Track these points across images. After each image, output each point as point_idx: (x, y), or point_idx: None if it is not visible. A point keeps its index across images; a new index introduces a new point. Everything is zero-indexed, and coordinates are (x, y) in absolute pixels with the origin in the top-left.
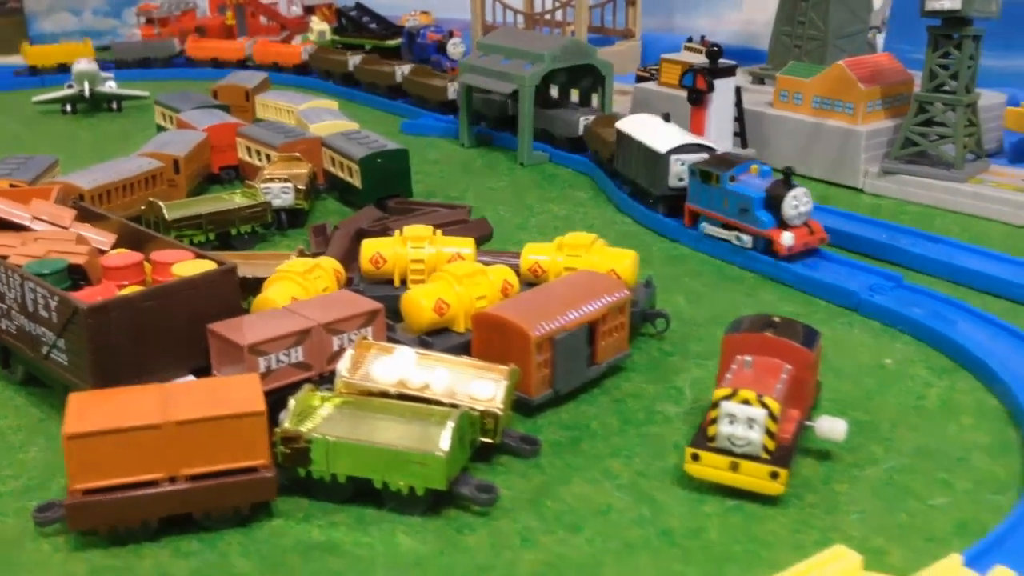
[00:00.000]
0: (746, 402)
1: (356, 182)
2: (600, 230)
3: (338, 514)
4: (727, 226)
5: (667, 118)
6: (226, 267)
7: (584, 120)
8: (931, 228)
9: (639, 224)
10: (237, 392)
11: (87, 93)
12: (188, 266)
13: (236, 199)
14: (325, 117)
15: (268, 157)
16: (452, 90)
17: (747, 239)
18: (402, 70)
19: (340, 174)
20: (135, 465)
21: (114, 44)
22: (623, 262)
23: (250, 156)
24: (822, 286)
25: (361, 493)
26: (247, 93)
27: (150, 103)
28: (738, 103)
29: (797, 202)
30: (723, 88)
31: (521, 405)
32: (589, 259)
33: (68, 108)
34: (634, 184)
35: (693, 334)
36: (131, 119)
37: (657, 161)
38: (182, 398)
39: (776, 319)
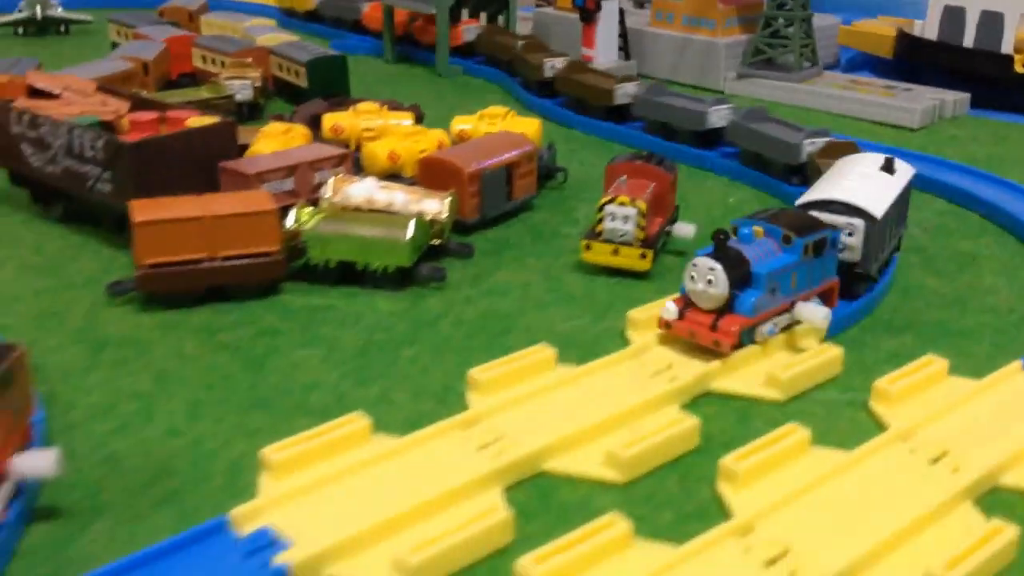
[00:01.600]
0: (623, 204)
1: (302, 82)
2: None
3: (331, 291)
4: None
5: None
6: (227, 120)
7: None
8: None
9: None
10: (254, 200)
11: (38, 16)
12: (197, 121)
13: (203, 93)
14: (268, 32)
15: (223, 64)
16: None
17: None
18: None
19: (287, 77)
20: (184, 247)
21: None
22: (531, 127)
23: (205, 63)
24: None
25: (345, 278)
26: (190, 14)
27: (96, 27)
28: (621, 22)
29: None
30: (608, 9)
31: (458, 226)
32: (504, 125)
33: (19, 31)
34: None
35: (586, 186)
36: (79, 41)
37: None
38: (215, 202)
39: (644, 153)
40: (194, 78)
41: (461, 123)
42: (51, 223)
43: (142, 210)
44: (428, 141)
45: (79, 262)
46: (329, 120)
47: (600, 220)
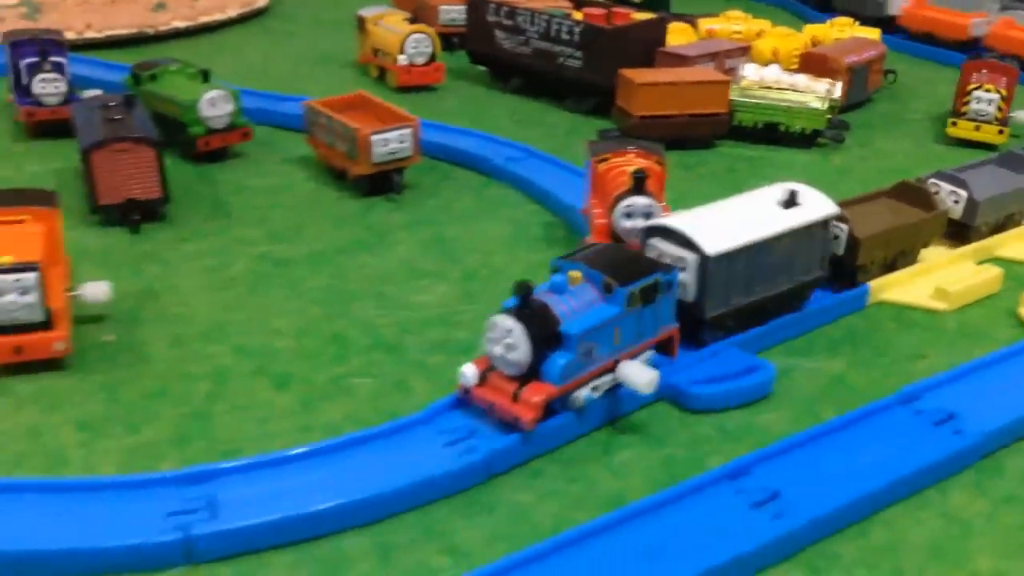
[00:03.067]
0: (988, 90)
1: None
2: None
3: (757, 146)
4: None
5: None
6: (662, 16)
7: None
8: None
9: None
10: (708, 73)
11: None
12: (638, 16)
13: None
14: None
15: None
16: None
17: None
18: None
19: None
20: (664, 104)
21: None
22: (874, 34)
23: None
24: None
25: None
26: None
27: None
28: None
29: None
30: None
31: None
32: (845, 33)
33: None
34: None
35: (909, 90)
36: None
37: None
38: (681, 74)
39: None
40: None
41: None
42: (508, 94)
43: (638, 76)
44: (799, 41)
45: (553, 116)
46: (704, 24)
47: (967, 102)
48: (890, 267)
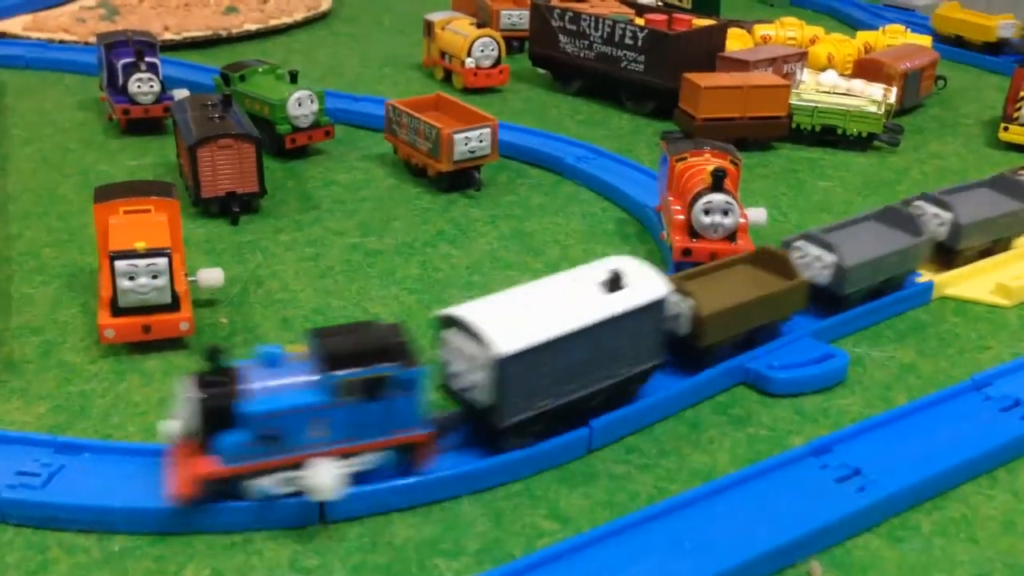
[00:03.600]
0: None
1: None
2: None
3: (814, 148)
4: None
5: None
6: (722, 21)
7: None
8: None
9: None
10: (769, 78)
11: None
12: (699, 22)
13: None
14: None
15: None
16: None
17: None
18: None
19: None
20: (727, 107)
21: None
22: (925, 41)
23: None
24: None
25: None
26: None
27: None
28: None
29: None
30: None
31: None
32: (897, 40)
33: None
34: None
35: (960, 94)
36: None
37: None
38: (743, 78)
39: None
40: None
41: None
42: (569, 96)
43: (702, 80)
44: (853, 47)
45: (614, 118)
46: (758, 29)
47: (1019, 108)
48: (749, 343)
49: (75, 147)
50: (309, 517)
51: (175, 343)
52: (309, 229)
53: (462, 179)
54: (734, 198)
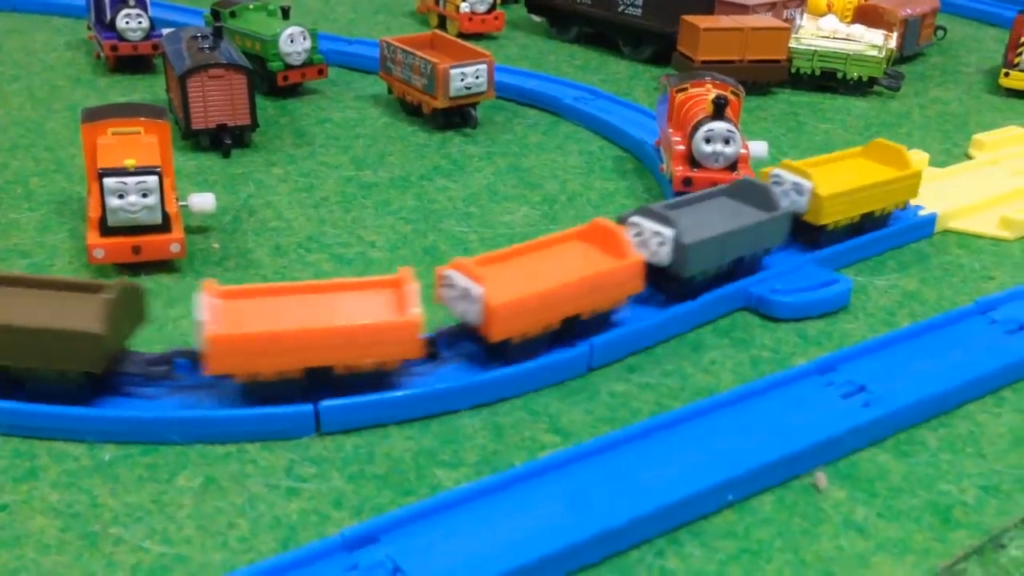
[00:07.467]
0: None
1: None
2: None
3: (813, 93)
4: None
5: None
6: None
7: None
8: None
9: None
10: (770, 21)
11: None
12: None
13: None
14: None
15: None
16: None
17: None
18: None
19: None
20: (727, 50)
21: None
22: None
23: None
24: None
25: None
26: None
27: None
28: None
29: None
30: None
31: None
32: None
33: None
34: None
35: (960, 43)
36: None
37: None
38: (744, 20)
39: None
40: None
41: None
42: (566, 43)
43: (701, 22)
44: None
45: (612, 64)
46: None
47: (1020, 54)
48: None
49: (63, 83)
50: (305, 429)
51: (166, 266)
52: (303, 163)
53: (458, 117)
54: (736, 127)
